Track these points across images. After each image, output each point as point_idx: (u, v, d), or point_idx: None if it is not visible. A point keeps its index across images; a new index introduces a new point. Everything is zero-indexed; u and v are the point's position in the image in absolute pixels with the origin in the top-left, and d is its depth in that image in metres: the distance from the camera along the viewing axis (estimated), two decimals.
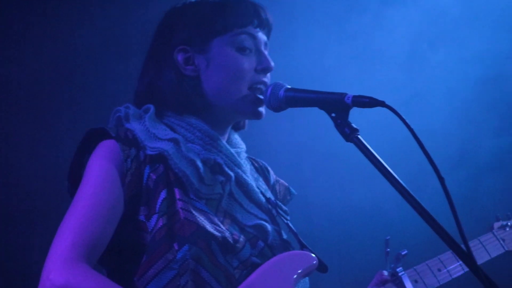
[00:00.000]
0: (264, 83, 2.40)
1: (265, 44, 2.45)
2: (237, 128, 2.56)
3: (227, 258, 2.22)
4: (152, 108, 2.35)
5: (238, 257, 2.25)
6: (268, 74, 2.43)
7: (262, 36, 2.44)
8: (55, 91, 4.02)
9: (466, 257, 1.90)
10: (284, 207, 2.54)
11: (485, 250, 2.76)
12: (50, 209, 3.78)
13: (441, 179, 1.93)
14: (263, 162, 2.69)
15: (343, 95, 2.09)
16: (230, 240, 2.23)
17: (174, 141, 2.29)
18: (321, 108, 2.14)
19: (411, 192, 1.98)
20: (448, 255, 2.68)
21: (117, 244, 2.20)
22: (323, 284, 3.08)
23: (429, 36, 4.88)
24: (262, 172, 2.63)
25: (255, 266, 2.26)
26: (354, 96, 2.07)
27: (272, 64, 2.41)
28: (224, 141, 2.40)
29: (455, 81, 4.86)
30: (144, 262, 2.17)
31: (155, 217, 2.20)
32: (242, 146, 2.52)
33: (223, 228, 2.25)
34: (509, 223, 2.87)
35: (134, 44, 3.99)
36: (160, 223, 2.19)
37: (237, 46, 2.39)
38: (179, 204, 2.21)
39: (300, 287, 2.36)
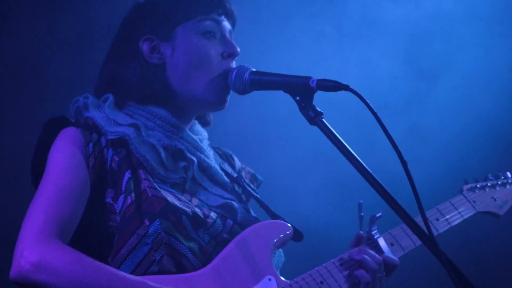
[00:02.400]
0: (230, 68, 2.39)
1: (230, 32, 2.46)
2: (203, 124, 2.57)
3: (198, 233, 2.24)
4: (111, 97, 2.37)
5: (209, 232, 2.27)
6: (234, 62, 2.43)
7: (227, 24, 2.45)
8: (18, 84, 3.94)
9: (428, 239, 1.94)
10: (251, 184, 2.56)
11: (457, 211, 2.74)
12: (14, 205, 3.75)
13: (403, 163, 1.96)
14: (227, 150, 2.70)
15: (308, 78, 2.11)
16: (201, 215, 2.25)
17: (135, 126, 2.30)
18: (285, 91, 2.15)
19: (374, 175, 2.02)
20: (420, 218, 2.67)
21: (87, 229, 2.22)
22: (301, 255, 3.11)
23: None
24: (226, 158, 2.65)
25: (226, 243, 2.28)
26: (319, 80, 2.09)
27: (238, 49, 2.41)
28: (187, 130, 2.41)
29: None
30: (117, 241, 2.19)
31: (122, 197, 2.22)
32: (204, 133, 2.53)
33: (192, 204, 2.28)
34: (477, 185, 2.87)
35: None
36: (129, 201, 2.20)
37: (201, 31, 2.40)
38: (145, 183, 2.23)
39: (276, 259, 2.39)
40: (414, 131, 4.64)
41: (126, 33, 2.47)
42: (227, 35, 2.44)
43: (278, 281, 2.27)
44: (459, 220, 2.72)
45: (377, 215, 2.47)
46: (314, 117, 2.09)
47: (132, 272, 2.16)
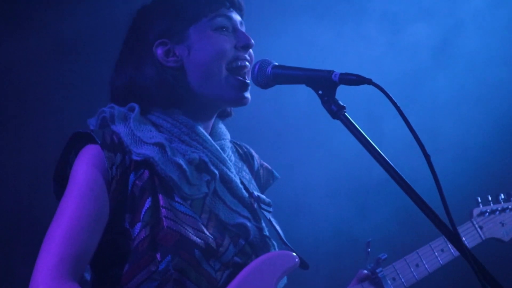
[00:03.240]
0: (246, 59, 2.43)
1: (241, 23, 2.49)
2: (223, 115, 2.58)
3: (210, 262, 2.26)
4: (137, 107, 2.36)
5: (220, 260, 2.28)
6: (252, 52, 2.46)
7: (236, 16, 2.48)
8: (42, 92, 3.98)
9: (453, 236, 1.91)
10: (266, 200, 2.55)
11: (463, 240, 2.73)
12: (37, 210, 3.79)
13: (427, 157, 1.93)
14: (248, 147, 2.71)
15: (330, 72, 2.09)
16: (213, 245, 2.27)
17: (160, 146, 2.30)
18: (308, 85, 2.14)
19: (398, 170, 1.98)
20: (426, 249, 2.69)
21: (102, 250, 2.24)
22: (308, 280, 3.12)
23: None
24: (246, 159, 2.66)
25: (236, 266, 2.31)
26: (341, 74, 2.07)
27: (252, 41, 2.44)
28: (208, 136, 2.42)
29: None
30: (127, 271, 2.22)
31: (139, 225, 2.24)
32: (226, 136, 2.55)
33: (207, 233, 2.28)
34: (488, 210, 2.84)
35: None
36: (143, 234, 2.22)
37: (214, 28, 2.42)
38: (163, 212, 2.24)
39: (279, 284, 2.40)
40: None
41: (138, 37, 2.47)
42: (239, 27, 2.47)
43: None
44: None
45: (383, 257, 2.57)
46: (337, 111, 2.07)
47: None
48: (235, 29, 2.46)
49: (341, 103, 2.08)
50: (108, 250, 2.26)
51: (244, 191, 2.45)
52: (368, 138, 2.03)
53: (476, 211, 2.85)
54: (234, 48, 2.42)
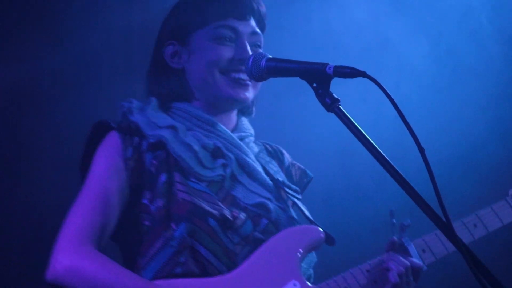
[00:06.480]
0: (241, 70, 2.47)
1: (253, 34, 2.53)
2: (245, 113, 2.66)
3: (227, 234, 2.32)
4: (154, 100, 2.52)
5: (238, 233, 2.34)
6: None
7: (246, 26, 2.52)
8: (67, 90, 4.01)
9: (446, 227, 1.90)
10: (293, 186, 2.60)
11: (497, 217, 2.73)
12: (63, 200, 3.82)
13: (421, 149, 1.92)
14: (277, 146, 2.78)
15: (324, 65, 2.08)
16: (229, 216, 2.33)
17: (172, 128, 2.42)
18: (302, 78, 2.13)
19: (391, 162, 1.98)
20: (458, 223, 2.68)
21: (124, 226, 2.36)
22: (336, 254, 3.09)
23: None
24: (275, 155, 2.73)
25: (258, 242, 2.34)
26: (336, 66, 2.06)
27: (249, 54, 2.43)
28: (222, 126, 2.50)
29: None
30: (145, 242, 2.32)
31: (157, 200, 2.33)
32: (248, 130, 2.61)
33: (222, 205, 2.35)
34: None
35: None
36: (160, 204, 2.32)
37: (214, 38, 2.48)
38: (177, 186, 2.33)
39: (307, 260, 2.40)
40: None
41: (157, 38, 2.60)
42: (244, 39, 2.50)
43: (303, 286, 2.28)
44: (498, 225, 2.72)
45: (406, 223, 2.50)
46: (331, 104, 2.06)
47: (157, 272, 2.27)
48: (239, 41, 2.49)
49: (336, 96, 2.08)
50: (130, 227, 2.36)
51: (265, 175, 2.51)
52: (363, 131, 2.02)
53: (511, 191, 2.86)
54: (232, 58, 2.47)
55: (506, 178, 4.56)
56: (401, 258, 2.36)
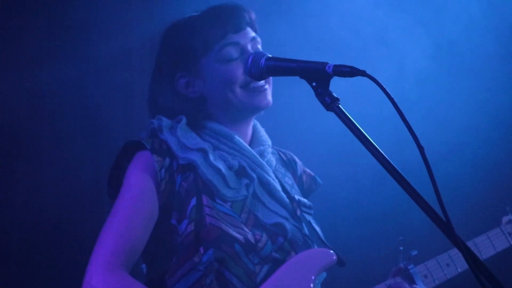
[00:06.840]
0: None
1: (252, 39, 2.55)
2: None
3: (249, 256, 2.40)
4: (184, 118, 2.52)
5: (259, 255, 2.42)
6: None
7: (245, 36, 2.54)
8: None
9: (445, 225, 1.90)
10: (307, 203, 2.66)
11: (492, 244, 2.91)
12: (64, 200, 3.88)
13: (420, 148, 1.92)
14: (291, 154, 2.84)
15: (324, 64, 2.09)
16: (252, 240, 2.41)
17: (202, 151, 2.47)
18: (302, 77, 2.14)
19: (392, 163, 1.98)
20: (456, 250, 2.78)
21: (152, 244, 2.40)
22: (343, 275, 3.15)
23: None
24: (289, 165, 2.79)
25: (275, 261, 2.44)
26: (335, 66, 2.06)
27: None
28: (245, 144, 2.55)
29: None
30: (174, 263, 2.40)
31: (185, 221, 2.40)
32: (267, 142, 2.65)
33: (246, 229, 2.43)
34: None
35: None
36: (189, 229, 2.39)
37: (221, 60, 2.50)
38: (206, 210, 2.40)
39: (318, 278, 2.47)
40: None
41: (162, 67, 2.61)
42: (249, 48, 2.52)
43: None
44: (492, 253, 2.93)
45: (413, 253, 2.69)
46: (330, 103, 2.06)
47: None
48: (244, 52, 2.50)
49: (335, 95, 2.08)
50: (159, 245, 2.42)
51: (282, 193, 2.57)
52: (362, 130, 2.02)
53: (505, 219, 3.02)
54: (244, 72, 2.48)
55: (506, 176, 4.58)
56: (407, 285, 2.58)
